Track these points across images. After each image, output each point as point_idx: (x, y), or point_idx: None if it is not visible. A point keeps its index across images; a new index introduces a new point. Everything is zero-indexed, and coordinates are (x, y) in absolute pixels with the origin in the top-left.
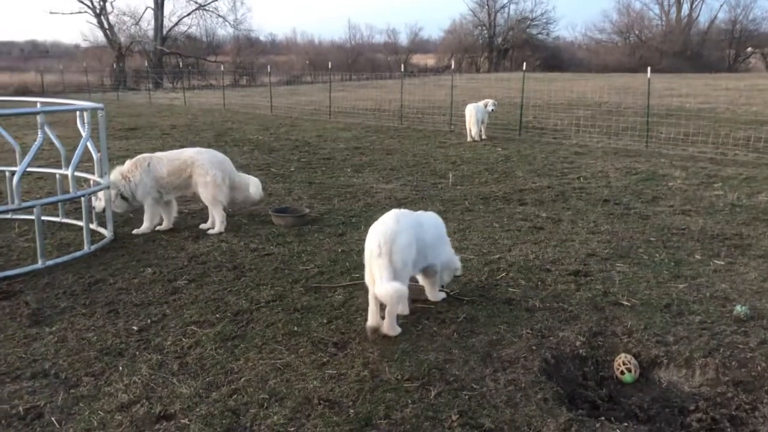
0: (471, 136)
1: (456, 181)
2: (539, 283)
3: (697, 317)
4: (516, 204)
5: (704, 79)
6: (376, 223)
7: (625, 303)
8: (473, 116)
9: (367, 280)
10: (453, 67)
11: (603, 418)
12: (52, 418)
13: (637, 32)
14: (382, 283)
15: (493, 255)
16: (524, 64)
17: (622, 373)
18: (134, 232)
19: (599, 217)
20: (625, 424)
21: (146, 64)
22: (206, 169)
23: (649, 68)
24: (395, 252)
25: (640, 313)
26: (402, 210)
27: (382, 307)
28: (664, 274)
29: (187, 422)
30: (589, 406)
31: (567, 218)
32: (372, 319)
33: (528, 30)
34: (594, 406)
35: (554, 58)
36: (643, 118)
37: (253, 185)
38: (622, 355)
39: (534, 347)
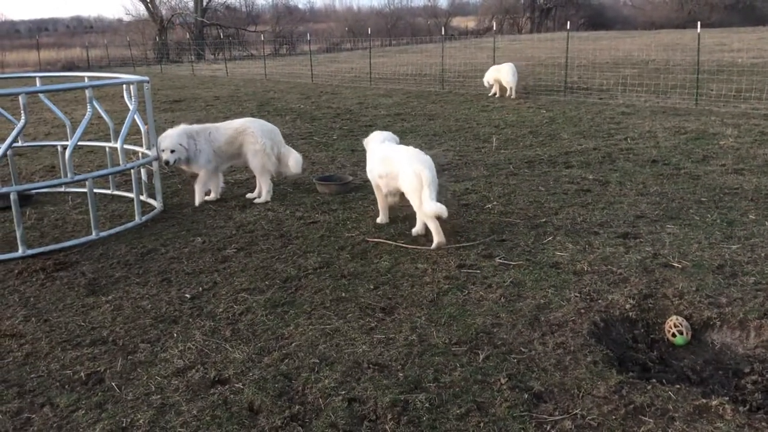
0: (511, 90)
1: (500, 145)
2: (587, 246)
3: (751, 278)
4: (562, 167)
5: (758, 33)
6: (410, 155)
7: (676, 265)
8: (510, 74)
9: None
10: (494, 28)
11: (654, 380)
12: (113, 383)
13: None
14: (432, 202)
15: (540, 219)
16: (568, 23)
17: (674, 335)
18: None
19: (648, 179)
20: (677, 386)
21: (188, 36)
22: (257, 137)
23: (698, 23)
24: (436, 179)
25: (692, 274)
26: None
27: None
28: (716, 235)
29: (241, 386)
30: (640, 369)
31: (614, 180)
32: (438, 236)
33: None
34: (645, 369)
35: (599, 16)
36: (693, 76)
37: (293, 159)
38: (674, 317)
39: (582, 310)
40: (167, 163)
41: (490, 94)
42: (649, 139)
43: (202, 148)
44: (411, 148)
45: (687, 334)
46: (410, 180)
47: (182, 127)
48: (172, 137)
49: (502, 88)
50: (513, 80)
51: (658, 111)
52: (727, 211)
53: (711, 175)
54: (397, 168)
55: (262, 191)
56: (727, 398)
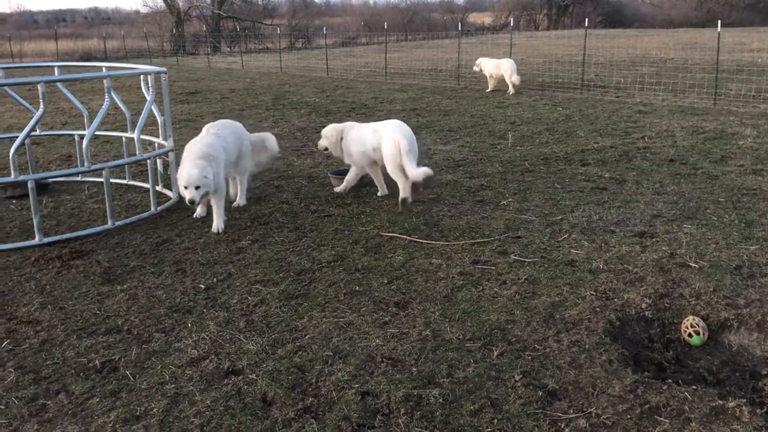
0: (514, 87)
1: (516, 141)
2: (603, 244)
3: None
4: (578, 164)
5: None
6: (390, 126)
7: (693, 265)
8: (511, 68)
9: (396, 169)
10: (511, 25)
11: (670, 380)
12: (127, 372)
13: None
14: (415, 168)
15: (555, 216)
16: (586, 20)
17: (690, 335)
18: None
19: (665, 178)
20: (693, 387)
21: (204, 28)
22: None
23: (719, 22)
24: (415, 147)
25: (709, 275)
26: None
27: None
28: (734, 236)
29: (255, 377)
30: (655, 369)
31: (631, 179)
32: (404, 192)
33: None
34: (660, 369)
35: (616, 14)
36: (711, 75)
37: (267, 140)
38: (690, 317)
39: (598, 309)
40: (192, 202)
41: (488, 90)
42: (666, 138)
43: (219, 170)
44: (394, 120)
45: (704, 334)
46: (389, 147)
47: (200, 151)
48: (196, 173)
49: (501, 83)
50: (515, 75)
51: (676, 110)
52: (745, 211)
53: (729, 175)
54: (381, 137)
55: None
56: (744, 400)
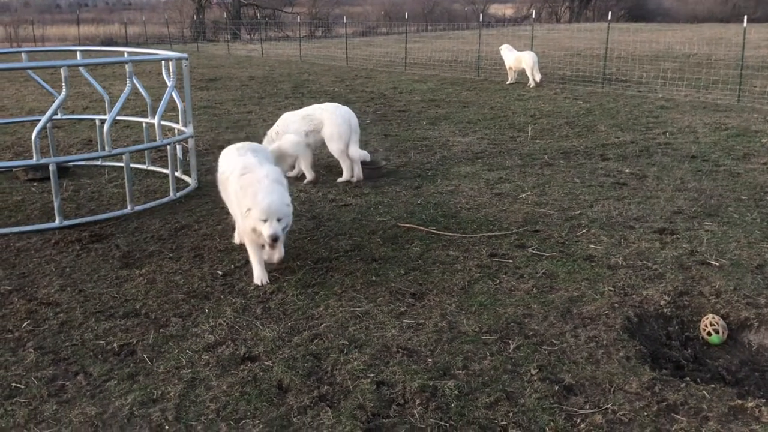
0: (535, 82)
1: (535, 134)
2: (622, 240)
3: None
4: (598, 159)
5: None
6: (334, 110)
7: (714, 263)
8: (532, 61)
9: (341, 150)
10: (533, 17)
11: (688, 378)
12: (144, 355)
13: None
14: (358, 149)
15: (574, 211)
16: (609, 13)
17: (709, 334)
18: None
19: (686, 174)
20: (712, 385)
21: (225, 15)
22: None
23: (745, 17)
24: (358, 128)
25: (730, 273)
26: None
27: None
28: (755, 234)
29: (271, 364)
30: (673, 366)
31: (652, 174)
32: (348, 172)
33: None
34: (678, 366)
35: (639, 8)
36: (736, 71)
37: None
38: (710, 315)
39: (616, 305)
40: (275, 239)
41: (508, 83)
42: (688, 134)
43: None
44: (332, 103)
45: (723, 333)
46: (335, 129)
47: (273, 174)
48: (277, 200)
49: (522, 75)
50: (536, 69)
51: (699, 106)
52: (767, 209)
53: (752, 173)
54: (322, 120)
55: None
56: (763, 400)
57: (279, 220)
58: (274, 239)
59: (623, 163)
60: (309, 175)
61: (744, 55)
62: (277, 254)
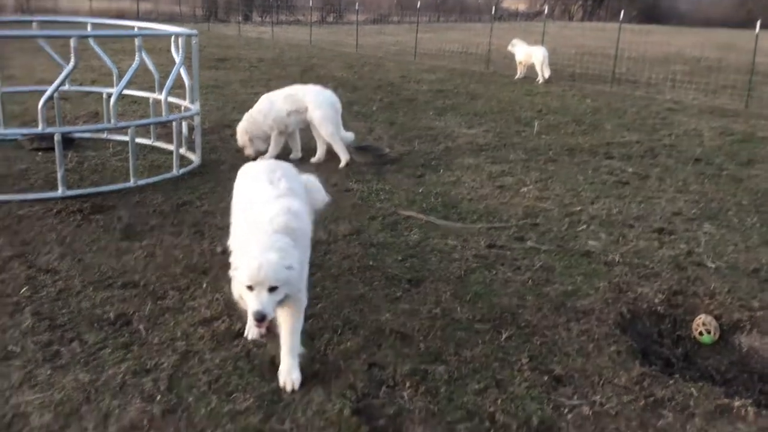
0: (544, 78)
1: (541, 130)
2: (620, 238)
3: None
4: (602, 157)
5: None
6: (318, 94)
7: (710, 265)
8: (542, 57)
9: (332, 133)
10: (545, 13)
11: (677, 375)
12: (140, 326)
13: None
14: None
15: (575, 207)
16: (621, 13)
17: (701, 333)
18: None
19: (689, 177)
20: (700, 384)
21: None
22: None
23: (758, 22)
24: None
25: (725, 276)
26: None
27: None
28: (754, 239)
29: (264, 341)
30: (663, 363)
31: (655, 175)
32: (346, 154)
33: None
34: (668, 364)
35: (653, 10)
36: (746, 77)
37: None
38: (702, 315)
39: (610, 301)
40: (262, 318)
41: (516, 77)
42: (693, 138)
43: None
44: (316, 86)
45: (715, 334)
46: (325, 110)
47: (279, 220)
48: (274, 261)
49: (531, 70)
50: (546, 65)
51: (706, 110)
52: (767, 215)
53: (754, 179)
54: (307, 102)
55: None
56: (750, 400)
57: (273, 289)
58: (259, 318)
59: (627, 163)
60: (272, 151)
61: (755, 61)
62: (284, 374)
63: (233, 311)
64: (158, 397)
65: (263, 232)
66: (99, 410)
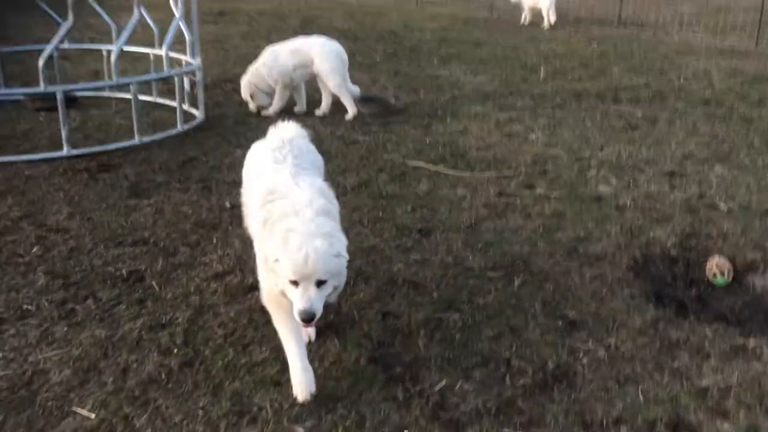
0: (550, 23)
1: (548, 76)
2: (631, 182)
3: None
4: (610, 102)
5: None
6: (323, 45)
7: (722, 206)
8: (549, 2)
9: (339, 84)
10: None
11: (691, 317)
12: (152, 282)
13: None
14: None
15: (584, 152)
16: None
17: (715, 275)
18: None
19: (699, 119)
20: (715, 325)
21: None
22: None
23: None
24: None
25: (738, 217)
26: None
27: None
28: (766, 180)
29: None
30: (677, 306)
31: (664, 118)
32: (352, 106)
33: None
34: (682, 307)
35: None
36: (756, 16)
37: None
38: (716, 257)
39: (623, 245)
40: (311, 317)
41: (522, 23)
42: (702, 79)
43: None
44: (321, 37)
45: (728, 275)
46: (332, 62)
47: (319, 203)
48: (323, 249)
49: (536, 15)
50: (552, 10)
51: (715, 51)
52: None
53: (766, 119)
54: (313, 54)
55: None
56: (765, 340)
57: (321, 283)
58: (307, 319)
59: (636, 107)
60: (276, 107)
61: (765, 0)
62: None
63: (244, 266)
64: (175, 351)
65: (302, 220)
66: (117, 365)
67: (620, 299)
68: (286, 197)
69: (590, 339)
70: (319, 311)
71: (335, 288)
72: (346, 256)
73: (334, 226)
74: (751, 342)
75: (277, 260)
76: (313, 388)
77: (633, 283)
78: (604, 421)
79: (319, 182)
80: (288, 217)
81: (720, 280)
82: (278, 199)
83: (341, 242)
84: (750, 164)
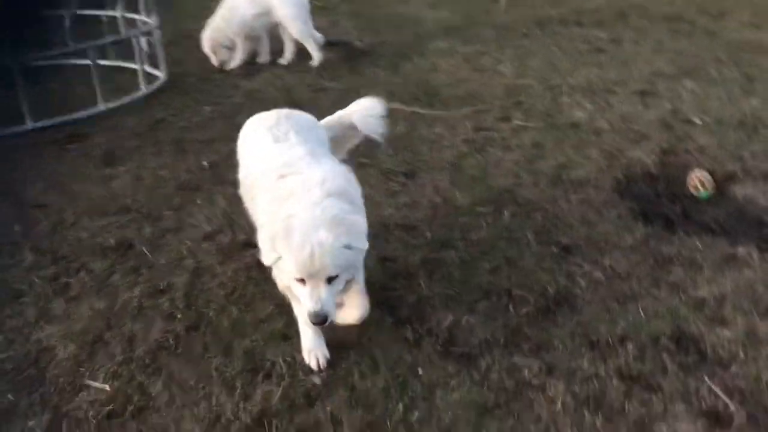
0: None
1: (508, 5)
2: (605, 104)
3: None
4: (573, 26)
5: None
6: None
7: (697, 121)
8: None
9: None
10: None
11: (680, 231)
12: (143, 249)
13: None
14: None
15: (555, 80)
16: None
17: (697, 188)
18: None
19: (663, 36)
20: (703, 237)
21: None
22: None
23: None
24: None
25: (713, 130)
26: None
27: None
28: (735, 91)
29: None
30: (664, 222)
31: (628, 38)
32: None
33: None
34: (668, 222)
35: None
36: None
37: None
38: (696, 170)
39: (604, 168)
40: (323, 320)
41: None
42: None
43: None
44: None
45: (710, 187)
46: (292, 8)
47: (333, 182)
48: (330, 242)
49: None
50: None
51: None
52: (746, 67)
53: (728, 31)
54: (272, 2)
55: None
56: (753, 246)
57: (332, 279)
58: (319, 322)
59: (599, 29)
60: (237, 59)
61: None
62: (358, 311)
63: (233, 223)
64: (179, 316)
65: (309, 200)
66: (122, 335)
67: (609, 221)
68: (301, 173)
69: (585, 262)
70: (332, 311)
71: (351, 277)
72: (361, 245)
73: (345, 209)
74: (740, 250)
75: (280, 257)
76: (322, 359)
77: (619, 204)
78: (610, 341)
79: (341, 165)
80: (294, 196)
81: (704, 193)
82: (290, 175)
83: (355, 228)
84: (719, 77)
